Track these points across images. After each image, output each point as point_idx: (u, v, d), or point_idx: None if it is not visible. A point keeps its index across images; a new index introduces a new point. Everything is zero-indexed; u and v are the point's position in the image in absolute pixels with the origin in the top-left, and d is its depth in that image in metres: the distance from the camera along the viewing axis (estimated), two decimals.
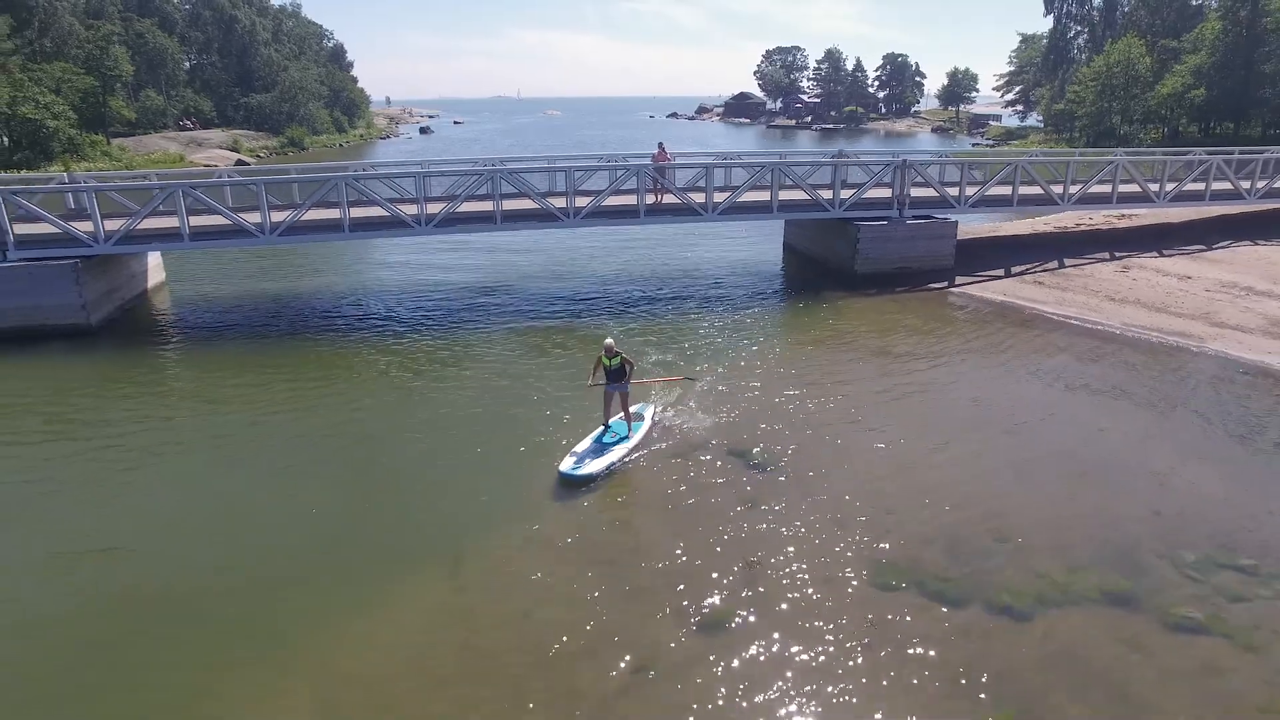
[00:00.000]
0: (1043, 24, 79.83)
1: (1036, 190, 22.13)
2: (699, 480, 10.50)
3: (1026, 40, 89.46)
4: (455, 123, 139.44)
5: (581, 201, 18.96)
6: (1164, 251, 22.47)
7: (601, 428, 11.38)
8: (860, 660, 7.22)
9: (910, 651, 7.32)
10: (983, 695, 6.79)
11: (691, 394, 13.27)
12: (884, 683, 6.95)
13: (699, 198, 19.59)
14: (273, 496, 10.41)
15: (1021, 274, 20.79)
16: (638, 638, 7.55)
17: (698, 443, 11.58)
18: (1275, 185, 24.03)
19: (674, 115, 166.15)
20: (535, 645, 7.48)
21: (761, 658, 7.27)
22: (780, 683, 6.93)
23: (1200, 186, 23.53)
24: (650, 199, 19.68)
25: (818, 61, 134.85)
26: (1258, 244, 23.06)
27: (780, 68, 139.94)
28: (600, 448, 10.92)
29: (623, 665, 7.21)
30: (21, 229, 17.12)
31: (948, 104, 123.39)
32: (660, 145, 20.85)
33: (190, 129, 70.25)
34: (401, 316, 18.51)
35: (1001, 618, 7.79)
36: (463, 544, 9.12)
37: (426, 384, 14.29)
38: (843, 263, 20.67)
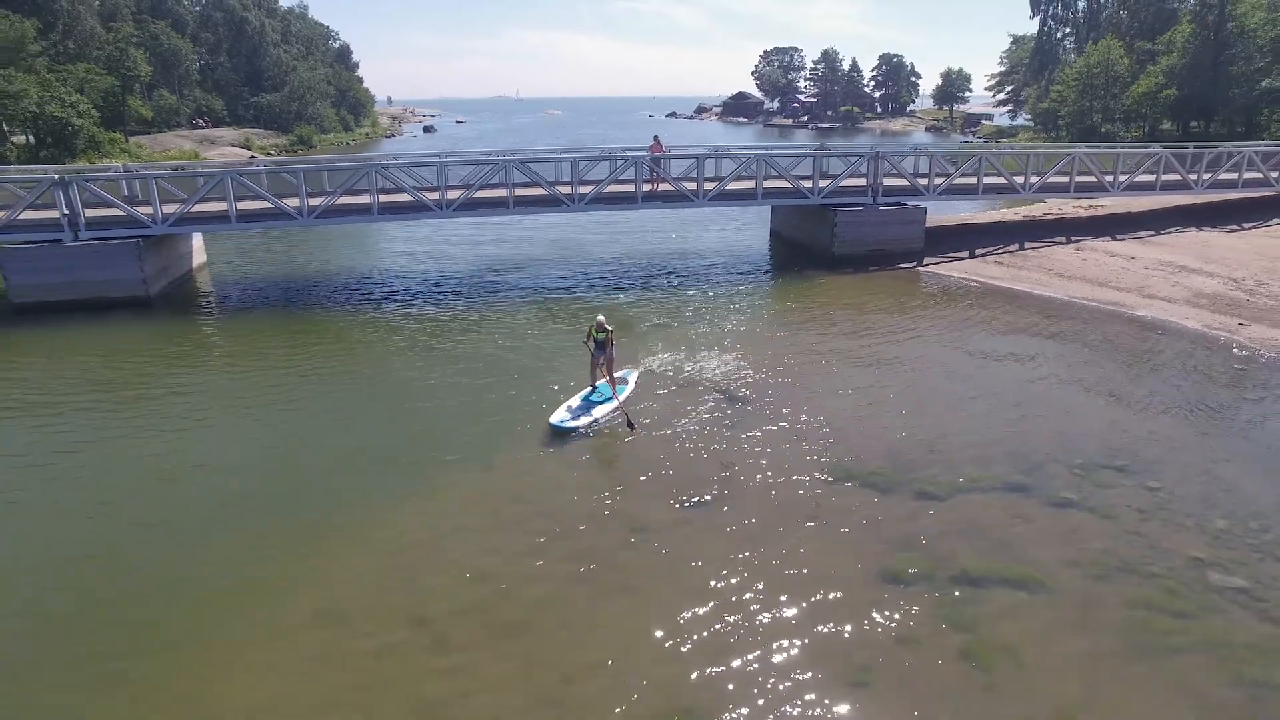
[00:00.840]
0: (1032, 26, 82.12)
1: (1000, 180, 24.28)
2: (687, 411, 12.63)
3: (1017, 41, 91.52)
4: (457, 122, 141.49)
5: (585, 189, 21.12)
6: (1116, 236, 24.61)
7: (589, 388, 12.93)
8: (810, 525, 9.35)
9: (848, 521, 9.46)
10: (898, 544, 8.92)
11: (685, 349, 15.41)
12: (826, 540, 9.08)
13: (691, 186, 21.76)
14: (323, 428, 12.51)
15: (984, 255, 22.95)
16: (634, 515, 9.68)
17: (688, 385, 13.72)
18: (1220, 177, 26.14)
19: (673, 115, 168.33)
20: (551, 518, 9.62)
21: (730, 527, 9.40)
22: (748, 543, 9.05)
23: (1152, 178, 25.67)
24: (647, 187, 21.83)
25: (814, 62, 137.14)
26: (1202, 229, 25.20)
27: (777, 68, 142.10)
28: (587, 405, 12.50)
29: (623, 531, 9.34)
30: (88, 212, 19.25)
31: (942, 104, 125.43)
32: (655, 138, 23.00)
33: (203, 127, 72.36)
34: (421, 292, 20.63)
35: (923, 500, 9.92)
36: (488, 457, 11.22)
37: (446, 347, 16.36)
38: (822, 246, 22.80)
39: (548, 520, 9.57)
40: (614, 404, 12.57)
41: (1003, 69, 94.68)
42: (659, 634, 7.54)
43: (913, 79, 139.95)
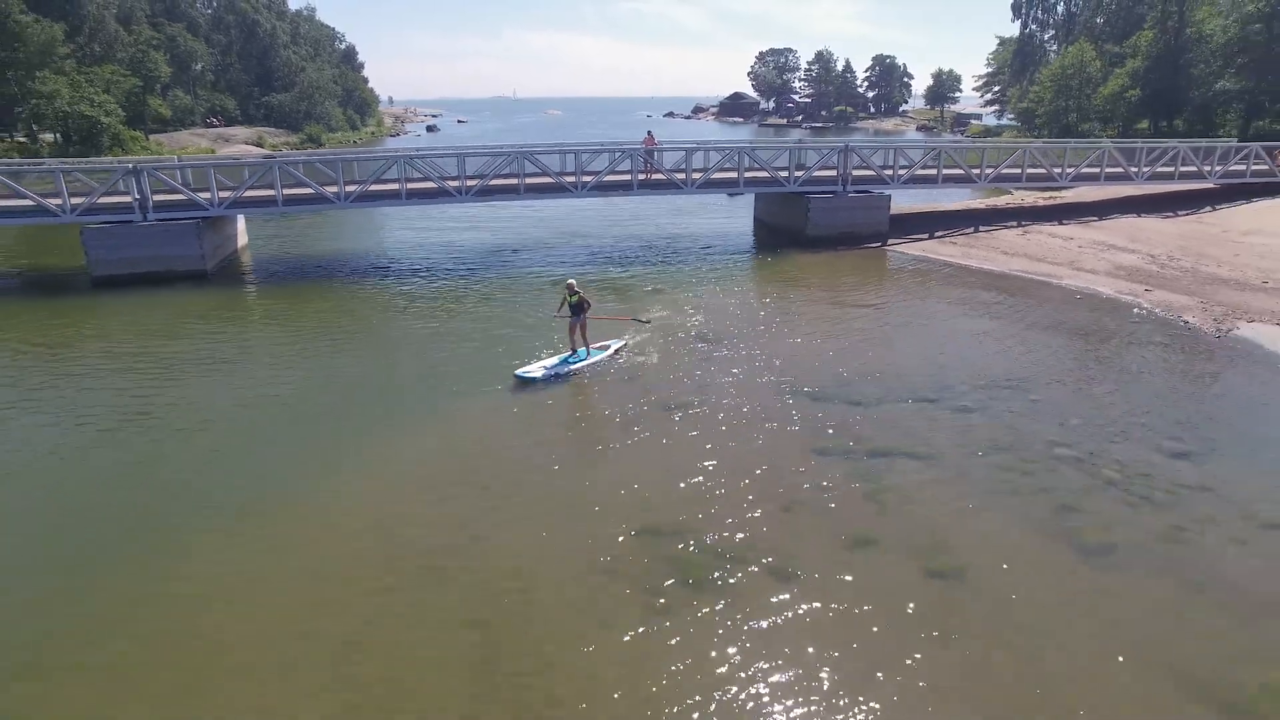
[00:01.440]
0: (1016, 28, 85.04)
1: (958, 171, 27.16)
2: (674, 351, 15.45)
3: (1003, 43, 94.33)
4: (459, 121, 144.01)
5: (587, 178, 23.96)
6: (1063, 221, 27.49)
7: (569, 352, 14.60)
8: (766, 424, 12.15)
9: (794, 420, 12.29)
10: (830, 433, 11.75)
11: (675, 309, 18.25)
12: (777, 430, 11.89)
13: (680, 175, 24.61)
14: (349, 369, 15.30)
15: (942, 237, 25.80)
16: (618, 417, 12.48)
17: (673, 332, 16.55)
18: (1159, 170, 29.03)
19: (670, 115, 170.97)
20: (564, 419, 12.44)
21: (704, 423, 12.20)
22: (713, 435, 11.84)
23: (1096, 170, 28.56)
24: (641, 176, 24.67)
25: (808, 63, 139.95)
26: (1140, 216, 28.05)
27: (773, 69, 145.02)
28: (562, 364, 14.24)
29: (606, 430, 12.15)
30: (155, 197, 22.03)
31: (933, 103, 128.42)
32: (649, 133, 25.86)
33: (216, 126, 75.09)
34: (435, 269, 23.39)
35: (853, 407, 12.75)
36: (481, 396, 13.93)
37: (452, 313, 19.04)
38: (797, 229, 25.64)
39: (564, 419, 12.41)
40: (587, 363, 14.34)
41: (990, 70, 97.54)
42: (655, 481, 10.35)
43: (906, 79, 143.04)
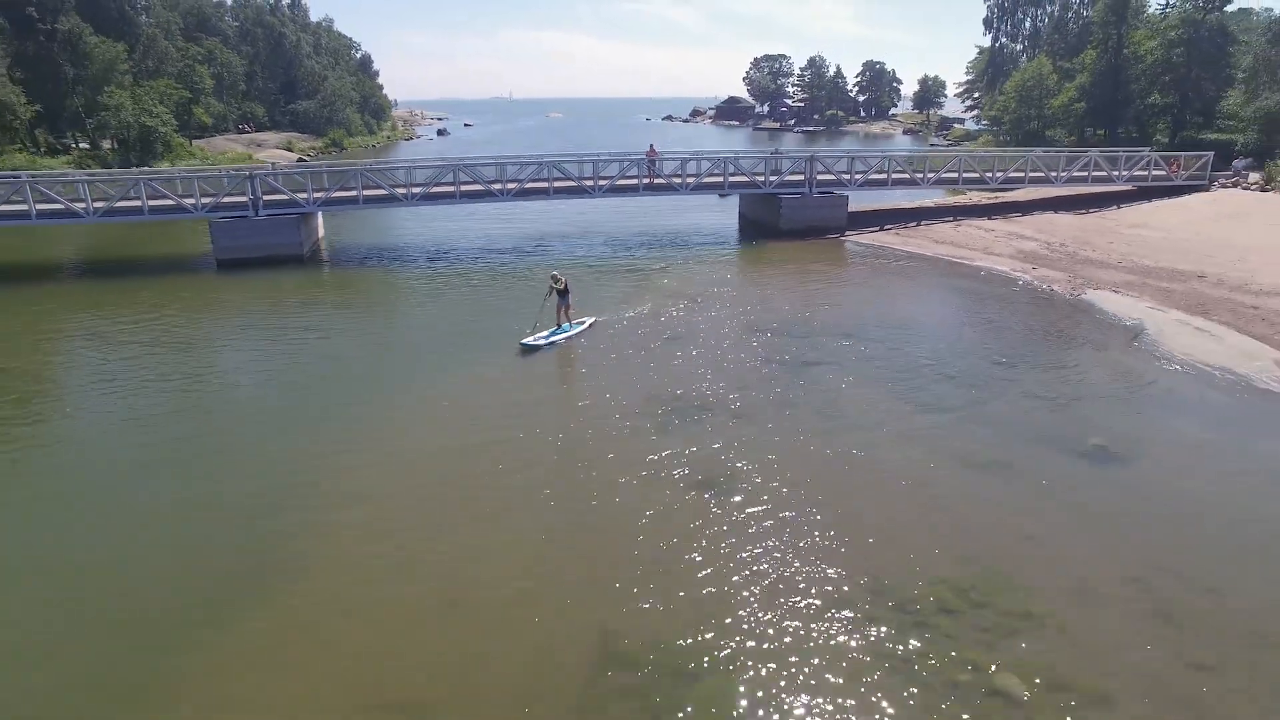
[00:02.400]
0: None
1: (904, 175, 33.17)
2: (666, 307, 21.41)
3: (982, 52, 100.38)
4: (465, 125, 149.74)
5: (602, 181, 29.93)
6: (992, 217, 33.47)
7: (555, 326, 18.82)
8: (732, 347, 18.09)
9: (753, 347, 18.22)
10: (777, 352, 17.70)
11: (671, 279, 24.21)
12: (740, 353, 17.83)
13: (678, 180, 30.60)
14: (413, 332, 21.23)
15: (890, 230, 31.74)
16: (629, 349, 18.41)
17: (668, 296, 22.53)
18: (1074, 174, 35.03)
19: (668, 118, 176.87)
20: (569, 358, 18.38)
21: (686, 350, 18.14)
22: (696, 353, 17.76)
23: (1022, 174, 34.58)
24: (646, 180, 30.64)
25: (801, 69, 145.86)
26: (1058, 213, 33.99)
27: (767, 74, 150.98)
28: (553, 334, 18.69)
29: (618, 356, 18.07)
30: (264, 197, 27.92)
31: (920, 107, 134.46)
32: (651, 145, 31.83)
33: (248, 132, 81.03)
34: (475, 255, 29.34)
35: (795, 339, 18.68)
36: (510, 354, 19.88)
37: (488, 290, 24.96)
38: (773, 223, 31.59)
39: (581, 357, 18.39)
40: (571, 333, 18.83)
41: (969, 77, 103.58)
42: (657, 377, 16.28)
43: (895, 83, 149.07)
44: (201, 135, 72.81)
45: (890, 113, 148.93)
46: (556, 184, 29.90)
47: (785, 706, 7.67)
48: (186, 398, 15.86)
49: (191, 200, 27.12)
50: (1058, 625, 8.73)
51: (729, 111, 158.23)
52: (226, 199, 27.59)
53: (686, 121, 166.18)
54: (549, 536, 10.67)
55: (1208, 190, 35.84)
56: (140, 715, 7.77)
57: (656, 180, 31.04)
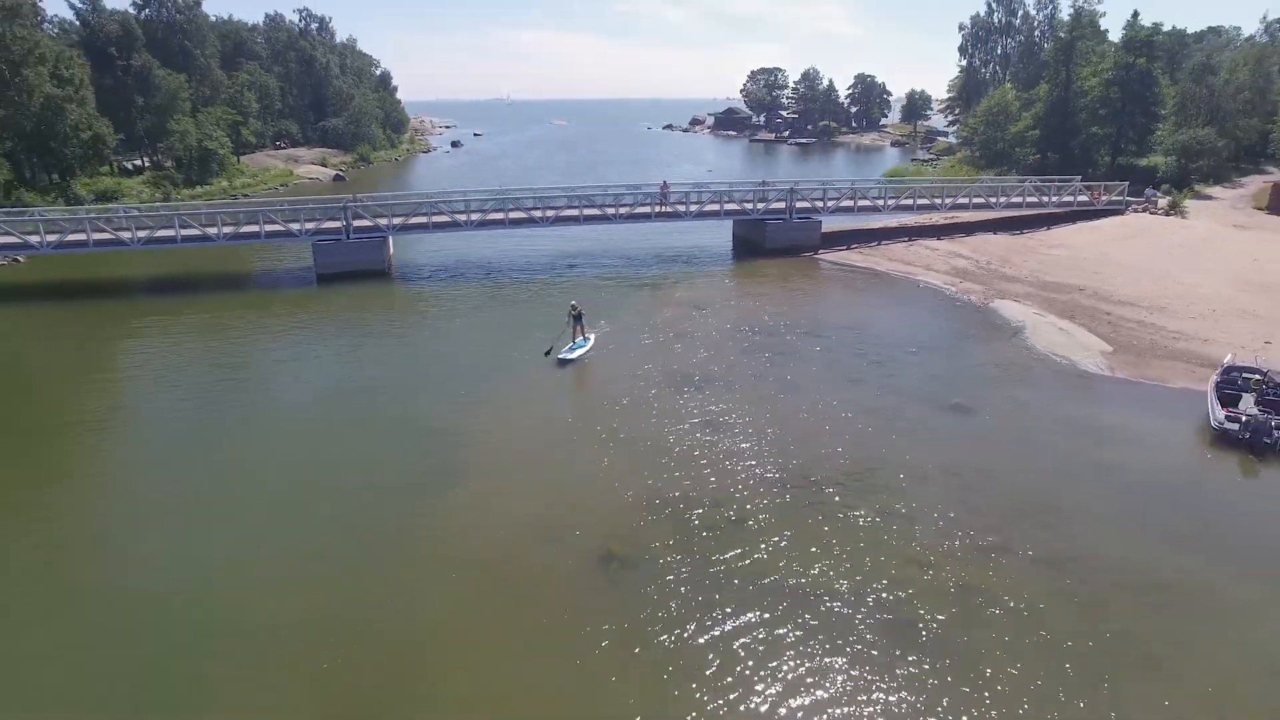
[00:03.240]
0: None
1: (868, 202, 40.43)
2: (675, 313, 28.61)
3: (963, 71, 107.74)
4: (475, 135, 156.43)
5: (623, 210, 37.14)
6: (941, 237, 40.66)
7: (571, 342, 24.23)
8: (724, 341, 25.29)
9: (740, 339, 25.43)
10: (757, 346, 24.90)
11: (677, 289, 31.42)
12: (728, 345, 25.04)
13: (682, 208, 37.84)
14: (486, 333, 28.41)
15: (855, 249, 38.91)
16: (646, 344, 25.61)
17: (678, 304, 29.75)
18: (1012, 200, 42.28)
19: (669, 127, 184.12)
20: (603, 349, 25.62)
21: (690, 344, 25.33)
22: (697, 345, 24.96)
23: (966, 200, 41.85)
24: (658, 208, 37.86)
25: (795, 82, 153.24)
26: (996, 234, 41.17)
27: (763, 86, 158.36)
28: (573, 349, 24.09)
29: (640, 348, 25.27)
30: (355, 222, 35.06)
31: (907, 120, 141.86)
32: (664, 181, 39.08)
33: (284, 148, 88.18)
34: (517, 271, 36.50)
35: (771, 336, 25.89)
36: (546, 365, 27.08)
37: (528, 304, 32.13)
38: (760, 243, 38.76)
39: (606, 354, 25.61)
40: (587, 348, 24.53)
41: (950, 95, 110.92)
42: (672, 360, 23.45)
43: (884, 95, 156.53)
44: (245, 152, 79.96)
45: (881, 123, 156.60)
46: (585, 211, 37.13)
47: (742, 515, 14.84)
48: (359, 373, 23.07)
49: (297, 225, 34.33)
50: (900, 491, 15.91)
51: (726, 122, 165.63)
52: (326, 224, 34.76)
53: (686, 131, 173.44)
54: (616, 446, 17.82)
55: (1121, 214, 43.19)
56: (410, 527, 14.89)
57: (667, 209, 38.26)
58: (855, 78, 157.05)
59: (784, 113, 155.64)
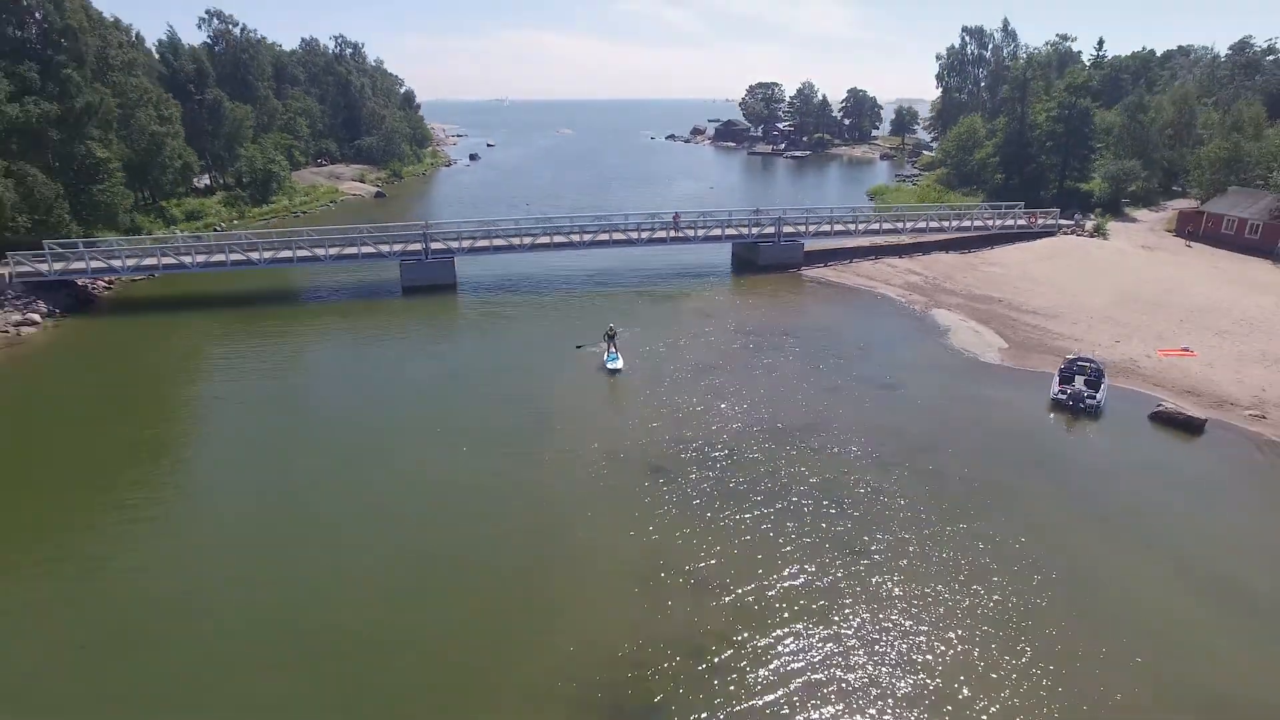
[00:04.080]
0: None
1: (842, 227, 49.50)
2: (684, 319, 37.63)
3: (943, 94, 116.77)
4: (488, 145, 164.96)
5: (644, 234, 46.17)
6: (903, 255, 49.67)
7: (607, 355, 32.25)
8: (724, 339, 34.32)
9: (735, 337, 34.45)
10: (748, 341, 33.91)
11: (686, 298, 40.46)
12: (727, 341, 34.06)
13: (691, 233, 46.91)
14: (539, 334, 37.42)
15: (832, 266, 47.95)
16: (665, 345, 34.63)
17: (685, 310, 38.77)
18: (962, 224, 51.30)
19: (671, 138, 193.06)
20: (636, 354, 34.69)
21: (701, 343, 34.34)
22: (706, 343, 33.94)
23: (924, 224, 50.89)
24: (671, 234, 46.91)
25: (791, 97, 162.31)
26: (948, 253, 50.19)
27: (761, 100, 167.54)
28: (613, 359, 33.85)
29: (667, 346, 34.33)
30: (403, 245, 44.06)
31: (896, 133, 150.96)
32: (676, 213, 48.14)
33: (324, 165, 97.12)
34: (556, 286, 45.49)
35: (758, 334, 34.92)
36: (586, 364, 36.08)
37: (568, 310, 41.18)
38: (754, 261, 47.79)
39: (641, 353, 34.69)
40: (621, 361, 34.53)
41: (933, 114, 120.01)
42: (688, 352, 32.45)
43: (875, 109, 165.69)
44: (292, 170, 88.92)
45: (873, 134, 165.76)
46: (614, 236, 46.16)
47: (737, 448, 23.82)
48: (452, 361, 32.08)
49: (386, 248, 43.35)
50: (838, 435, 24.88)
51: (726, 133, 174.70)
52: (410, 247, 43.76)
53: (687, 142, 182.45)
54: (651, 408, 26.76)
55: (1053, 236, 52.26)
56: (528, 453, 23.83)
57: (679, 234, 47.32)
58: (848, 92, 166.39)
59: (781, 125, 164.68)
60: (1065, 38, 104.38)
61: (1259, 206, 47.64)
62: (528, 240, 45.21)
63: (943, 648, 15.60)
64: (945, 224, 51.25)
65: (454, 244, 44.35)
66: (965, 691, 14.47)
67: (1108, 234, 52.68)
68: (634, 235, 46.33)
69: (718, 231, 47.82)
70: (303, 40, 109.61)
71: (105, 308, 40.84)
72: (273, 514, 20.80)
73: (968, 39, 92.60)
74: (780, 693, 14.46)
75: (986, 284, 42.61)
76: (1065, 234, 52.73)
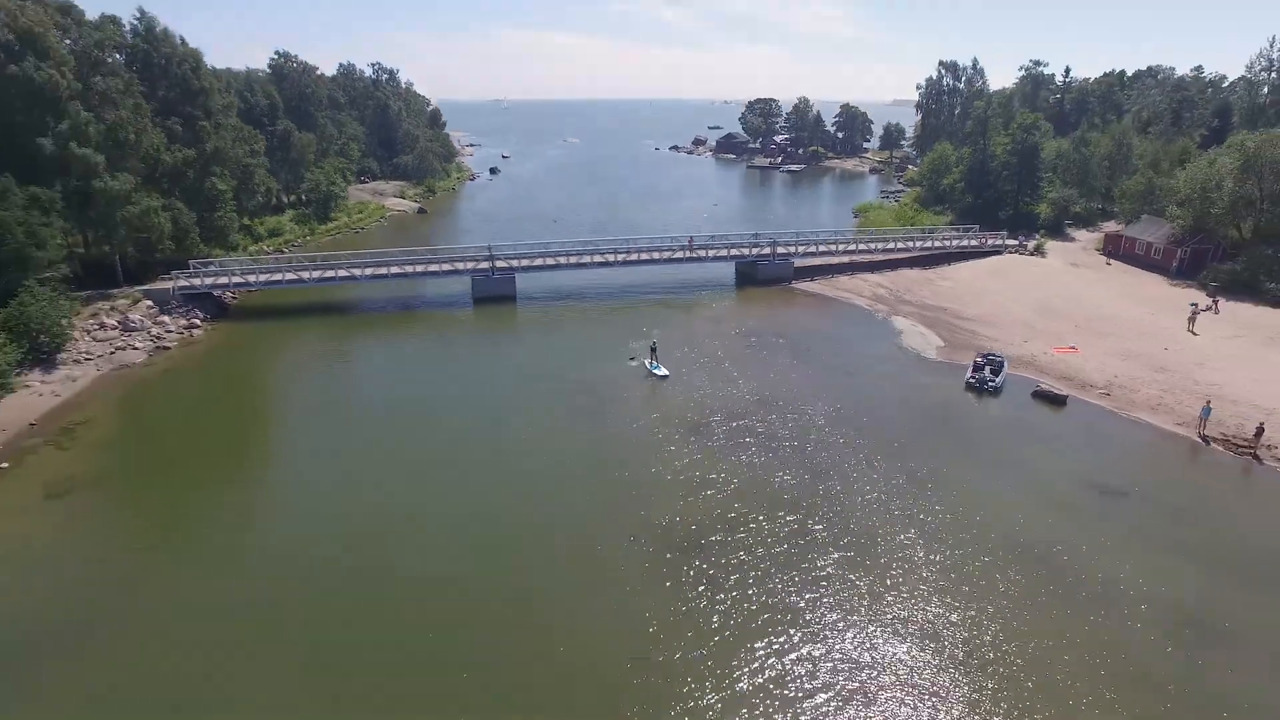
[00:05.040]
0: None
1: (825, 247, 60.66)
2: (698, 323, 48.70)
3: (923, 119, 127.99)
4: (503, 156, 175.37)
5: (665, 254, 57.29)
6: (874, 271, 60.75)
7: (651, 364, 44.16)
8: (727, 340, 45.38)
9: (736, 339, 45.53)
10: (745, 342, 44.97)
11: (696, 307, 51.55)
12: (729, 342, 45.11)
13: (701, 253, 58.06)
14: (588, 336, 48.46)
15: (817, 280, 58.98)
16: (687, 349, 45.71)
17: (699, 317, 49.87)
18: (926, 243, 62.41)
19: (675, 148, 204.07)
20: (670, 360, 45.82)
21: (710, 345, 45.39)
22: (713, 345, 44.99)
23: (892, 245, 62.03)
24: (686, 254, 58.00)
25: (787, 113, 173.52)
26: (913, 269, 61.23)
27: (759, 115, 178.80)
28: (657, 367, 44.69)
29: (684, 352, 45.43)
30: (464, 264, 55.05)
31: (885, 148, 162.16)
32: (690, 237, 59.28)
33: (366, 183, 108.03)
34: (597, 297, 56.50)
35: (754, 335, 46.02)
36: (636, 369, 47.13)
37: (608, 316, 52.22)
38: (753, 276, 58.84)
39: (674, 357, 45.85)
40: (661, 370, 45.45)
41: (917, 135, 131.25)
42: (702, 349, 43.50)
43: (867, 123, 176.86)
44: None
45: (864, 147, 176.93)
46: (641, 256, 57.25)
47: (736, 413, 34.86)
48: (522, 357, 43.09)
49: (462, 265, 54.38)
50: (805, 407, 35.91)
51: (727, 145, 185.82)
52: (480, 265, 54.76)
53: (690, 154, 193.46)
54: (681, 390, 37.78)
55: (1000, 254, 63.41)
56: (602, 422, 34.84)
57: (693, 254, 58.42)
58: (841, 107, 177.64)
59: (778, 139, 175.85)
60: (1038, 63, 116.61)
61: (1161, 233, 58.72)
62: (574, 259, 56.23)
63: (865, 524, 26.65)
64: (911, 244, 62.33)
65: (514, 262, 55.32)
66: (880, 546, 25.51)
67: (1045, 253, 63.80)
68: (657, 255, 57.44)
69: (724, 252, 58.93)
70: (340, 65, 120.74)
71: (236, 314, 51.85)
72: (421, 469, 31.83)
73: (944, 71, 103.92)
74: (752, 527, 25.55)
75: (938, 296, 53.71)
76: (1010, 253, 63.82)
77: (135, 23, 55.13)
